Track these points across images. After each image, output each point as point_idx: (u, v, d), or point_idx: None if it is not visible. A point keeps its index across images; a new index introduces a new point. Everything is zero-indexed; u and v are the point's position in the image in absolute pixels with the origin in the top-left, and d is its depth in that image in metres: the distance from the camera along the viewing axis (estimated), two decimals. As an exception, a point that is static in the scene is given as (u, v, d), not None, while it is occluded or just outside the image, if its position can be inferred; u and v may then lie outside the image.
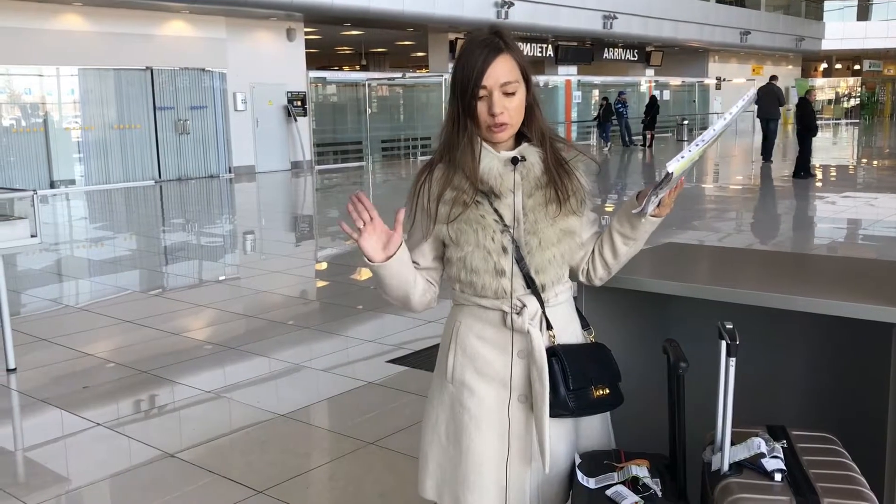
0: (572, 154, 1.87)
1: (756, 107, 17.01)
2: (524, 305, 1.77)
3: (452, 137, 1.78)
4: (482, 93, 1.73)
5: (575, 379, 1.76)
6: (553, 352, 1.77)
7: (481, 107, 1.74)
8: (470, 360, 1.81)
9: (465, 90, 1.73)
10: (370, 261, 1.74)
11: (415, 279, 1.81)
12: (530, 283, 1.78)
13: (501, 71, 1.73)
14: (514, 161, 1.78)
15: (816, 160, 14.86)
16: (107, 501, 3.36)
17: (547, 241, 1.78)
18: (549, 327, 1.80)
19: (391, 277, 1.77)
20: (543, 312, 1.79)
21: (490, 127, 1.75)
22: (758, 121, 17.66)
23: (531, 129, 1.81)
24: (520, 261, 1.77)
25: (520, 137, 1.82)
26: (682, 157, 1.64)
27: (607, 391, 1.81)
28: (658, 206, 1.78)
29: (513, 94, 1.74)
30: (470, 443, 1.79)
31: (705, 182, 15.27)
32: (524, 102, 1.78)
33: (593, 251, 1.90)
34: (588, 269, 1.92)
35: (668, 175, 1.64)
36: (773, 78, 17.18)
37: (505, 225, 1.77)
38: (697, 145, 1.66)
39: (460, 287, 1.82)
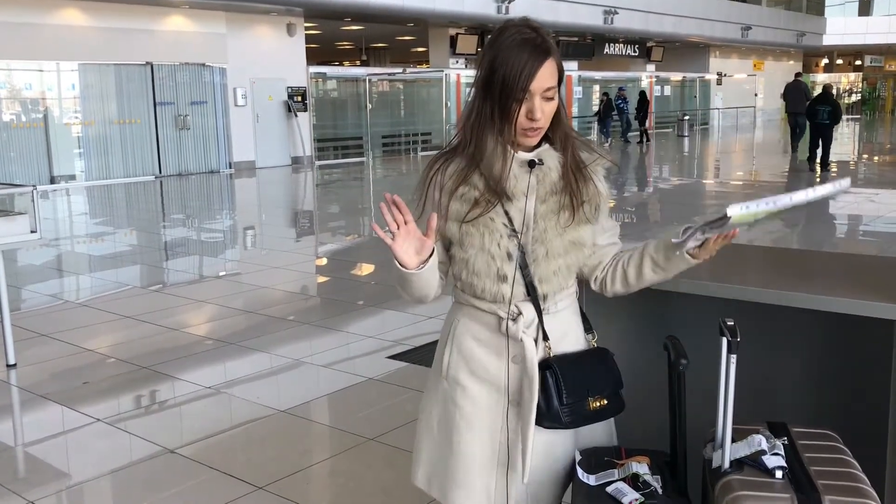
0: (592, 157, 1.79)
1: (785, 103, 17.56)
2: (520, 313, 1.73)
3: (478, 135, 1.70)
4: (525, 97, 1.64)
5: (570, 392, 1.72)
6: (547, 364, 1.73)
7: (520, 110, 1.66)
8: (465, 360, 1.79)
9: (507, 92, 1.64)
10: (403, 267, 1.67)
11: (438, 281, 1.76)
12: (531, 291, 1.73)
13: (546, 75, 1.64)
14: (532, 164, 1.72)
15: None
16: (107, 497, 3.36)
17: (554, 251, 1.73)
18: (546, 338, 1.75)
19: (420, 282, 1.71)
20: (541, 322, 1.75)
21: (525, 130, 1.68)
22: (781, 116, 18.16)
23: (555, 130, 1.74)
24: (524, 268, 1.72)
25: (541, 138, 1.75)
26: (747, 208, 1.54)
27: (605, 402, 1.77)
28: (700, 246, 1.71)
29: (552, 98, 1.67)
30: (460, 441, 1.78)
31: (706, 178, 15.23)
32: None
33: (616, 265, 1.84)
34: (605, 280, 1.85)
35: (726, 218, 1.54)
36: (798, 74, 17.99)
37: (513, 229, 1.71)
38: (767, 205, 1.55)
39: (461, 286, 1.79)
